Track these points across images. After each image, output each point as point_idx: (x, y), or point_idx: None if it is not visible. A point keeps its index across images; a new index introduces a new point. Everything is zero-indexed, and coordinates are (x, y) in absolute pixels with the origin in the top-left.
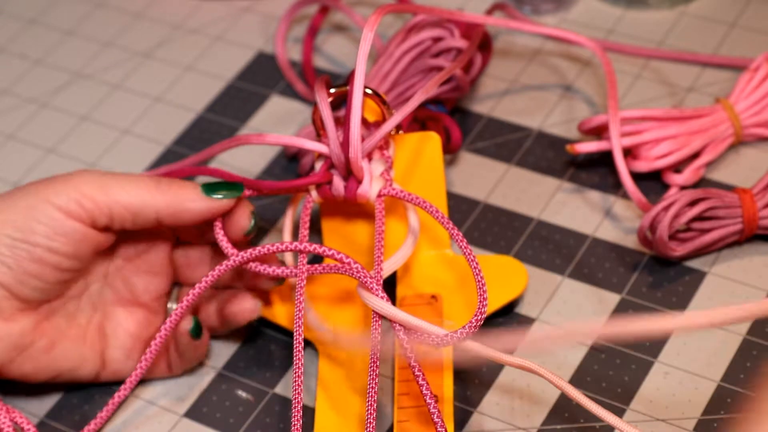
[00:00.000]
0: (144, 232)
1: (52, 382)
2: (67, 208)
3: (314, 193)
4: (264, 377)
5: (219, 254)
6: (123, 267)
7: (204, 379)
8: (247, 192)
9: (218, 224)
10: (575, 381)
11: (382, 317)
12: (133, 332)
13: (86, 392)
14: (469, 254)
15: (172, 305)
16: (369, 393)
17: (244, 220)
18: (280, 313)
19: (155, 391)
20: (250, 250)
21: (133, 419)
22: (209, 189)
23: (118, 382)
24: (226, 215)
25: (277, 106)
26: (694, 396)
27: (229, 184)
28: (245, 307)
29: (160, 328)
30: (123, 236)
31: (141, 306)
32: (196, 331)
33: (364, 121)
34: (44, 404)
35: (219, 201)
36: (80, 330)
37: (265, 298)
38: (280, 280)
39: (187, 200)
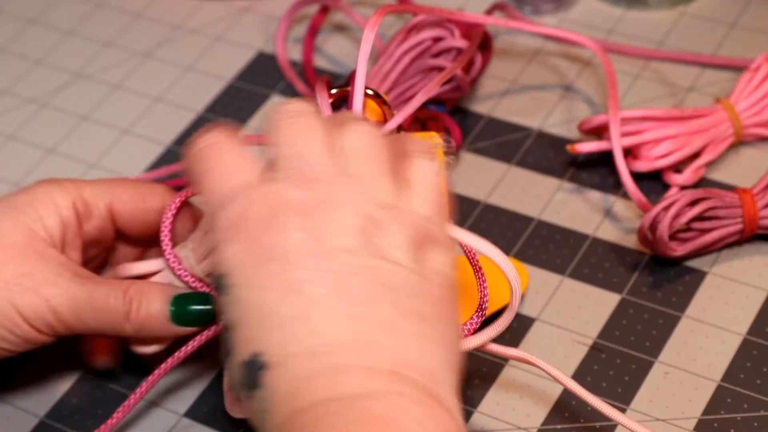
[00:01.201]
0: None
1: None
2: (35, 325)
3: None
4: None
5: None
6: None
7: (204, 379)
8: None
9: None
10: (575, 380)
11: None
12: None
13: (87, 392)
14: (470, 254)
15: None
16: None
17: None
18: None
19: (155, 390)
20: None
21: (133, 419)
22: (180, 308)
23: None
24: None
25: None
26: (694, 396)
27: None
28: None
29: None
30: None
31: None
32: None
33: None
34: (44, 404)
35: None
36: None
37: None
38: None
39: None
